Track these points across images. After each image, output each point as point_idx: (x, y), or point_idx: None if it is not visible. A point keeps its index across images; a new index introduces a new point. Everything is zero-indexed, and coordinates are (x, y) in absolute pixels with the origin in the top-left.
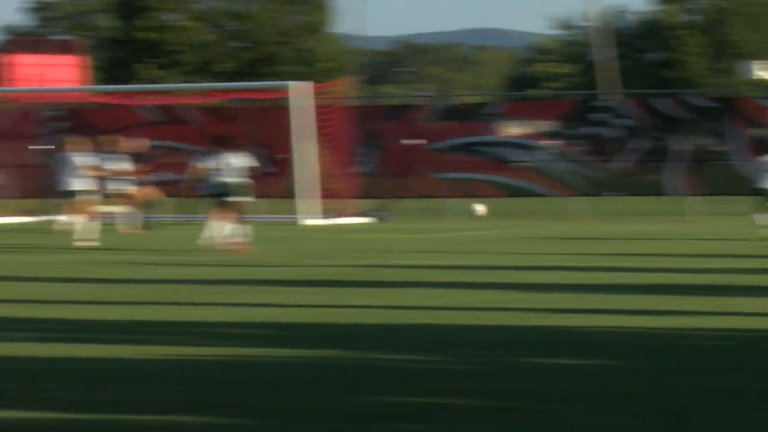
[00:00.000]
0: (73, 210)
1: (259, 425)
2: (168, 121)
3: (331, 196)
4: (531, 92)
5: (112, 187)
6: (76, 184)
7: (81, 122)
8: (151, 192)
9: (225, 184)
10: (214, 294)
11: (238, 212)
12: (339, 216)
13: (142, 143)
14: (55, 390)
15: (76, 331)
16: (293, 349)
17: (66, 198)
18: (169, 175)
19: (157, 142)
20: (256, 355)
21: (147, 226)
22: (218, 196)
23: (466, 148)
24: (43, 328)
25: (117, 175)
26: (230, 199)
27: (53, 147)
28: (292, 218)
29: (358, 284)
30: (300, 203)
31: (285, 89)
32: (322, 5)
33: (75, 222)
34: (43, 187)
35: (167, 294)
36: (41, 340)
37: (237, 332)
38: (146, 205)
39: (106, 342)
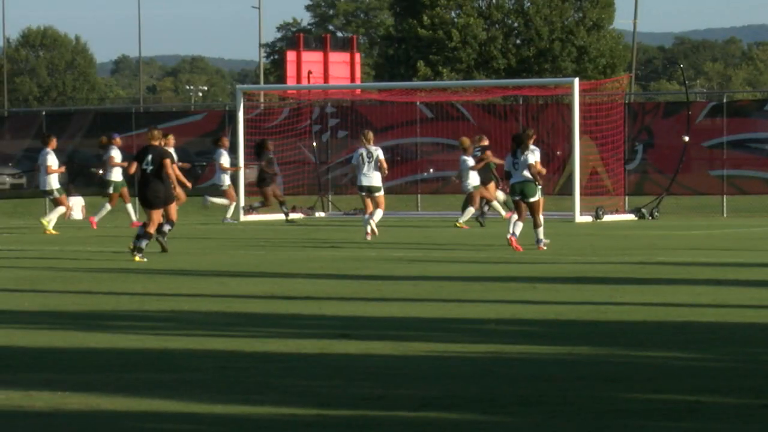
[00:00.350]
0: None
1: (518, 423)
2: (443, 119)
3: (604, 193)
4: None
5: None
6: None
7: (356, 119)
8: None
9: (515, 185)
10: (488, 291)
11: (521, 211)
12: (613, 213)
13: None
14: (314, 385)
15: (332, 327)
16: (558, 346)
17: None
18: (443, 172)
19: (432, 139)
20: (521, 352)
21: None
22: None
23: (741, 144)
24: (303, 324)
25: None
26: (520, 198)
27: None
28: (569, 215)
29: (625, 281)
30: (577, 201)
31: (568, 86)
32: (603, 2)
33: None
34: (317, 182)
35: (434, 291)
36: (305, 336)
37: (506, 329)
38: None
39: (365, 338)
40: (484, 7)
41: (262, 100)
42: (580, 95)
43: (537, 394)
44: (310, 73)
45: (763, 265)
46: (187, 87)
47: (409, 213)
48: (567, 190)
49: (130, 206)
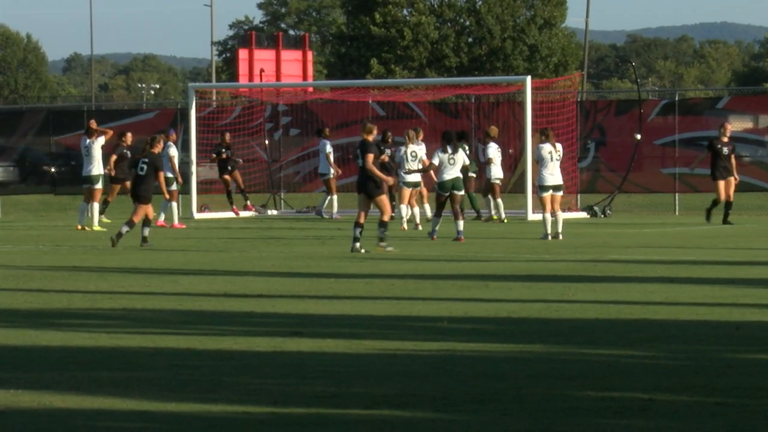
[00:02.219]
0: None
1: (472, 420)
2: (396, 117)
3: None
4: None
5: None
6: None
7: (308, 117)
8: None
9: (444, 181)
10: (439, 289)
11: (458, 206)
12: (565, 211)
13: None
14: (268, 383)
15: (285, 325)
16: (511, 344)
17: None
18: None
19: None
20: (474, 350)
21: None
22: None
23: (694, 142)
24: (256, 321)
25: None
26: (448, 193)
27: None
28: (521, 213)
29: (577, 279)
30: (529, 198)
31: (520, 84)
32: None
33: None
34: (269, 180)
35: (386, 289)
36: (258, 334)
37: (458, 327)
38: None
39: (317, 336)
40: (436, 6)
41: (214, 98)
42: (532, 93)
43: (490, 392)
44: (262, 71)
45: (715, 263)
46: (139, 85)
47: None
48: (519, 188)
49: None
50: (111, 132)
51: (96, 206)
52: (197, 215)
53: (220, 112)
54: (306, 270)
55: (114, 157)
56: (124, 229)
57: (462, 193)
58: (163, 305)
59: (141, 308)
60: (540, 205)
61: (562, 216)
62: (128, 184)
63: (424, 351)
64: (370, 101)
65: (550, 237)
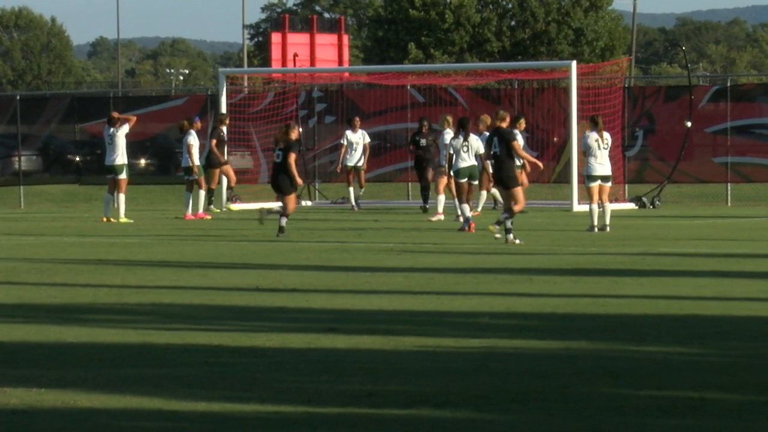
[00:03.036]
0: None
1: (515, 420)
2: (435, 103)
3: None
4: None
5: None
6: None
7: (344, 104)
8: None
9: (460, 168)
10: (481, 283)
11: (470, 195)
12: (612, 201)
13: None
14: (302, 381)
15: (320, 321)
16: (555, 341)
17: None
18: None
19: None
20: (517, 347)
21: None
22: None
23: (746, 130)
24: (290, 317)
25: None
26: (465, 179)
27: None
28: (566, 204)
29: (625, 273)
30: (575, 189)
31: (565, 69)
32: None
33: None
34: (303, 170)
35: (426, 283)
36: (292, 330)
37: (501, 323)
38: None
39: (353, 332)
40: None
41: (245, 83)
42: (577, 79)
43: (533, 391)
44: (295, 55)
45: None
46: (168, 70)
47: (399, 202)
48: (564, 178)
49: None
50: (134, 119)
51: (122, 197)
52: (228, 205)
53: (252, 98)
54: (341, 263)
55: (214, 142)
56: (283, 221)
57: (476, 182)
58: (192, 300)
59: (170, 303)
60: (586, 196)
61: (610, 207)
62: (227, 169)
63: (464, 348)
64: (409, 87)
65: (596, 229)
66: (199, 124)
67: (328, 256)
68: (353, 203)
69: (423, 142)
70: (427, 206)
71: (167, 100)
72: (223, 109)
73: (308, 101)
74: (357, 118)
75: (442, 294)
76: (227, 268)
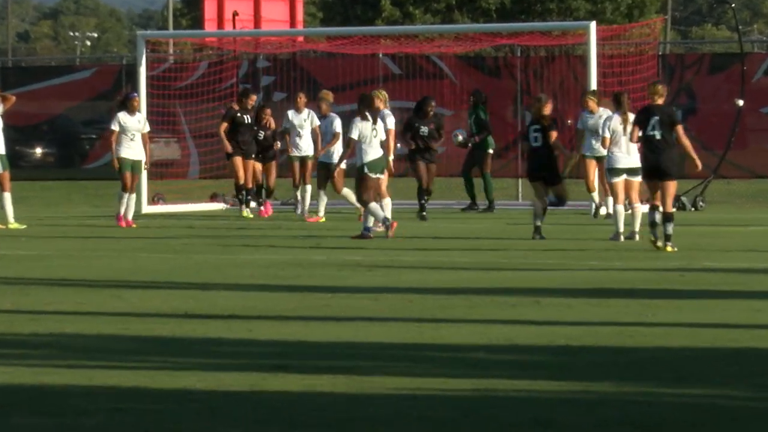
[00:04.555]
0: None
1: None
2: (414, 76)
3: None
4: None
5: None
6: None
7: (298, 76)
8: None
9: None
10: (474, 307)
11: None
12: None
13: None
14: None
15: (266, 356)
16: (569, 382)
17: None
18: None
19: (401, 104)
20: (520, 390)
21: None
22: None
23: None
24: (228, 351)
25: None
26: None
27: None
28: (584, 205)
29: (659, 294)
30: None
31: (583, 32)
32: None
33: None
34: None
35: (403, 307)
36: (230, 368)
37: (499, 358)
38: None
39: (309, 370)
40: None
41: (171, 51)
42: (597, 44)
43: None
44: (235, 14)
45: None
46: (71, 34)
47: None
48: (582, 172)
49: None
50: (13, 99)
51: (7, 197)
52: (147, 208)
53: (180, 69)
54: (294, 281)
55: (224, 126)
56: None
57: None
58: (102, 329)
59: (73, 333)
60: (609, 195)
61: (640, 209)
62: (256, 164)
63: (452, 391)
64: (381, 55)
65: (622, 237)
66: (135, 102)
67: (277, 272)
68: (300, 207)
69: (424, 130)
70: (425, 213)
71: (71, 72)
72: (143, 83)
73: (252, 74)
74: (301, 95)
75: (423, 321)
76: (147, 288)
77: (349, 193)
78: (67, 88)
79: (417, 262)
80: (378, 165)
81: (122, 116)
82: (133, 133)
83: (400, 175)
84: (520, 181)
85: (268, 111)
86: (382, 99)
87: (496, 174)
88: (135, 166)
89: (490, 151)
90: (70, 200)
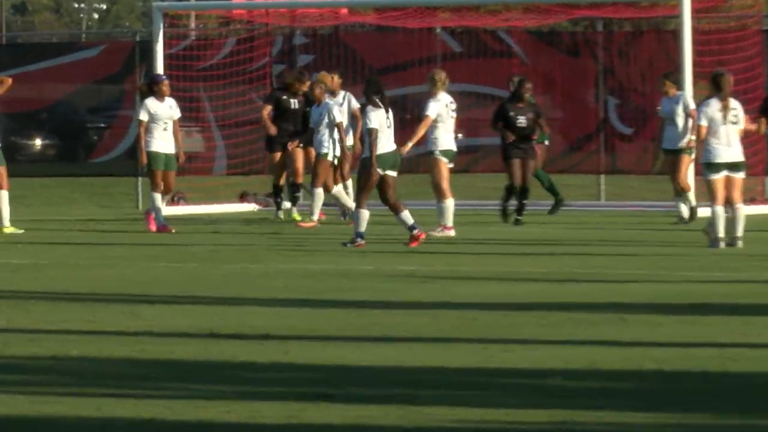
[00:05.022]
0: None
1: None
2: (478, 53)
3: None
4: None
5: None
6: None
7: (344, 54)
8: None
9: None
10: (548, 326)
11: None
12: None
13: None
14: None
15: (305, 382)
16: (661, 413)
17: None
18: (479, 139)
19: (462, 86)
20: (603, 422)
21: None
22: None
23: None
24: (261, 378)
25: None
26: None
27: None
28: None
29: (766, 310)
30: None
31: (674, 5)
32: None
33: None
34: None
35: (464, 325)
36: (263, 396)
37: (579, 385)
38: None
39: (355, 400)
40: None
41: (193, 25)
42: (693, 18)
43: None
44: None
45: None
46: (76, 5)
47: (427, 203)
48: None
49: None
50: (9, 81)
51: (3, 196)
52: (166, 210)
53: (204, 47)
54: (337, 296)
55: (268, 110)
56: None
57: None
58: (113, 351)
59: (79, 356)
60: (706, 194)
61: (743, 211)
62: (297, 157)
63: (525, 424)
64: (439, 29)
65: (722, 243)
66: (165, 86)
67: (317, 285)
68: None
69: (522, 120)
70: (521, 218)
71: (75, 50)
72: (159, 63)
73: (287, 52)
74: (335, 76)
75: (489, 342)
76: (165, 303)
77: (340, 191)
78: (70, 69)
79: (481, 272)
80: (388, 160)
81: (150, 103)
82: (165, 122)
83: (461, 170)
84: (602, 178)
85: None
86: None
87: (574, 170)
88: (169, 161)
89: (546, 143)
90: (74, 200)
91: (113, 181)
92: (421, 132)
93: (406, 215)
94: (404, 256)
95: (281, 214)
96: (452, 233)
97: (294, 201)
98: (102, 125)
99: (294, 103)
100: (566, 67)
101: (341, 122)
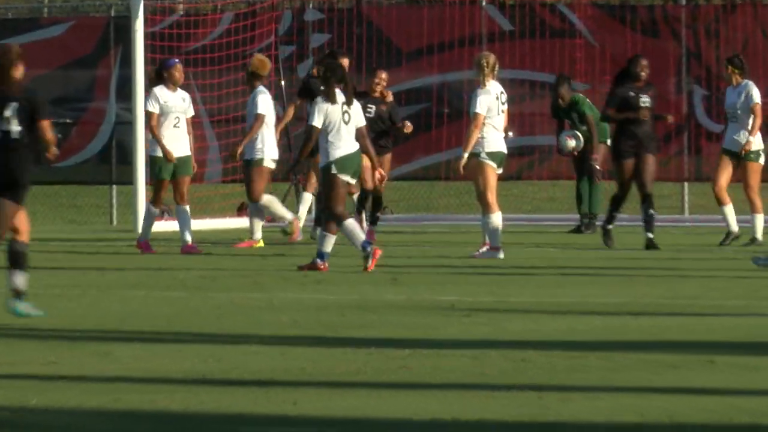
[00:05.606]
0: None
1: None
2: (533, 34)
3: None
4: None
5: None
6: None
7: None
8: None
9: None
10: (615, 370)
11: None
12: None
13: None
14: None
15: None
16: None
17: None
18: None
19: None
20: None
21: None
22: None
23: None
24: None
25: None
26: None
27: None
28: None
29: None
30: None
31: None
32: None
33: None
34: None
35: (516, 369)
36: None
37: None
38: None
39: None
40: None
41: None
42: None
43: None
44: None
45: None
46: None
47: (469, 217)
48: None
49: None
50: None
51: None
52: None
53: (194, 24)
54: (359, 332)
55: (293, 109)
56: None
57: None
58: (82, 400)
59: (41, 407)
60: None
61: None
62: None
63: None
64: (484, 3)
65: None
66: (176, 72)
67: (334, 319)
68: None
69: (645, 100)
70: (611, 226)
71: (36, 28)
72: (140, 45)
73: (297, 30)
74: (344, 59)
75: (544, 390)
76: (146, 342)
77: (272, 200)
78: (30, 51)
79: (533, 303)
80: (350, 163)
81: (160, 92)
82: (177, 116)
83: (512, 177)
84: (686, 186)
85: (383, 75)
86: (483, 65)
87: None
88: (182, 165)
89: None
90: (35, 213)
91: (83, 190)
92: (474, 136)
93: (331, 241)
94: (441, 284)
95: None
96: (500, 255)
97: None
98: (69, 120)
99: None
100: (642, 49)
101: (262, 114)
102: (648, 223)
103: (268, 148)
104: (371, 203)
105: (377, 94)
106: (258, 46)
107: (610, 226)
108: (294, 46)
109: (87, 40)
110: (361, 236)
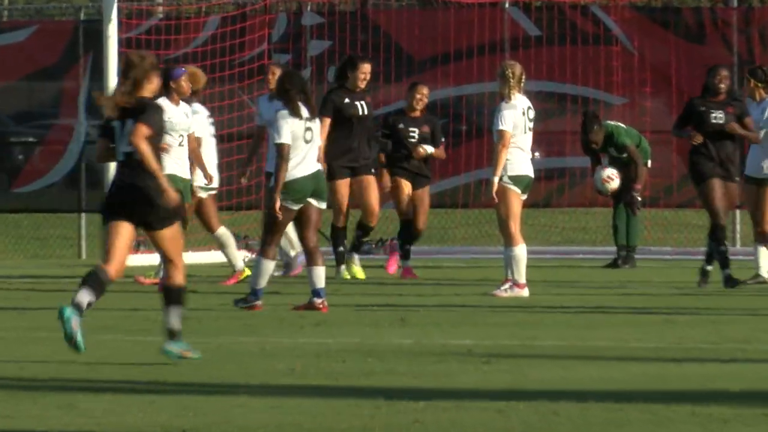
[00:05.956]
0: None
1: None
2: (563, 40)
3: None
4: None
5: None
6: None
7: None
8: None
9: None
10: (661, 424)
11: None
12: None
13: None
14: None
15: None
16: None
17: None
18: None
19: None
20: None
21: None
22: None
23: None
24: None
25: None
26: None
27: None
28: None
29: None
30: None
31: None
32: None
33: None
34: None
35: (545, 424)
36: None
37: None
38: None
39: None
40: None
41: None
42: None
43: None
44: None
45: None
46: None
47: (489, 249)
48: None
49: None
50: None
51: None
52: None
53: (175, 29)
54: (363, 381)
55: (326, 123)
56: None
57: None
58: None
59: None
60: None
61: None
62: (405, 184)
63: None
64: (507, 5)
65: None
66: (184, 83)
67: (335, 366)
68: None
69: (719, 116)
70: (710, 267)
71: None
72: (113, 52)
73: (293, 36)
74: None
75: None
76: (119, 392)
77: (226, 235)
78: None
79: (562, 348)
80: (300, 187)
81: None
82: (180, 134)
83: (539, 204)
84: (737, 214)
85: (425, 91)
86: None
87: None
88: (186, 189)
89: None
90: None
91: (47, 219)
92: (503, 157)
93: (321, 273)
94: (455, 325)
95: (344, 271)
96: (525, 293)
97: (358, 247)
98: (31, 139)
99: (361, 107)
100: (687, 56)
101: (194, 134)
102: (723, 258)
103: (196, 174)
104: (356, 229)
105: (417, 113)
106: (249, 54)
107: (709, 267)
108: (290, 55)
109: (52, 48)
110: (264, 281)
